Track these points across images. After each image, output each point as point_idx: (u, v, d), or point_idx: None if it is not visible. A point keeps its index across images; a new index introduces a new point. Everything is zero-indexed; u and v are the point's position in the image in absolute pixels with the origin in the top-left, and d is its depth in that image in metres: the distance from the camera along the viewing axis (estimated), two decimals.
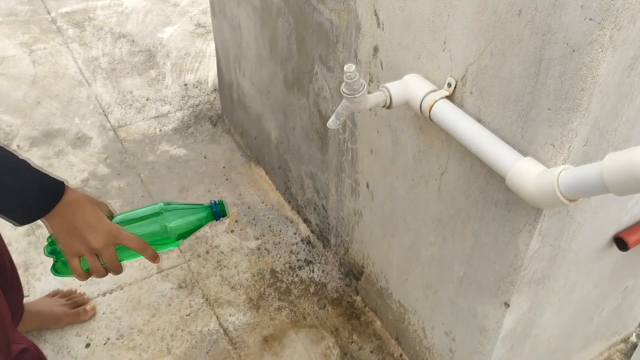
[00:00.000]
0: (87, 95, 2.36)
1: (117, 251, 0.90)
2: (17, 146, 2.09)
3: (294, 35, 1.46)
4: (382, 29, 1.11)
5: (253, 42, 1.71)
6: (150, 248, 0.91)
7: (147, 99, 2.36)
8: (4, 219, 0.85)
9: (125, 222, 0.93)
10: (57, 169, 2.00)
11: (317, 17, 1.33)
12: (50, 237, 0.93)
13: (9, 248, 1.66)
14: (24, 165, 0.84)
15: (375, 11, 1.11)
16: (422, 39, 1.01)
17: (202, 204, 0.98)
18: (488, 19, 0.85)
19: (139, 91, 2.41)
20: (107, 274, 0.91)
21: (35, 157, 2.04)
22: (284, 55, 1.55)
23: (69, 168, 2.02)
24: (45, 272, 1.65)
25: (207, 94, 2.41)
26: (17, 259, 1.67)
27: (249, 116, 1.98)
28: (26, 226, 1.77)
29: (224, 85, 2.14)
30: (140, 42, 2.72)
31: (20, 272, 1.62)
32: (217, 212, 0.96)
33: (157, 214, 0.95)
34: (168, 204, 0.96)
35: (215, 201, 0.97)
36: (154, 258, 0.92)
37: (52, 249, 0.93)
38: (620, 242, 1.08)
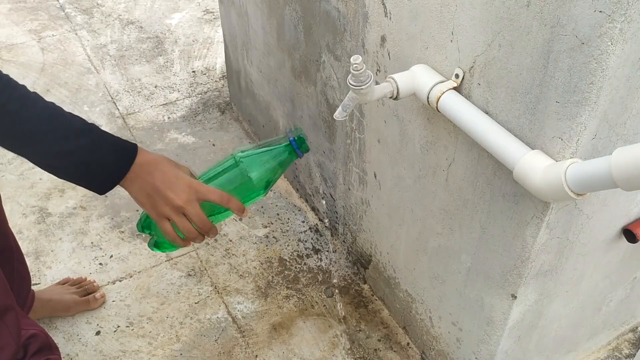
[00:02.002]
0: (96, 83, 2.37)
1: (205, 211, 0.86)
2: None
3: (302, 24, 1.45)
4: (390, 18, 1.09)
5: (260, 30, 1.70)
6: (234, 199, 0.87)
7: (156, 86, 2.36)
8: (85, 186, 0.84)
9: (206, 181, 0.90)
10: None
11: (324, 6, 1.32)
12: (143, 212, 0.90)
13: (19, 236, 1.68)
14: (95, 127, 0.83)
15: (382, 0, 1.10)
16: (430, 29, 0.99)
17: (279, 143, 0.90)
18: (496, 10, 0.84)
19: (148, 78, 2.41)
20: (203, 237, 0.87)
21: None
22: (292, 43, 1.54)
23: None
24: (56, 260, 1.67)
25: (215, 81, 2.41)
26: (27, 247, 1.69)
27: (257, 104, 1.98)
28: (36, 214, 1.79)
29: (232, 72, 2.13)
30: (148, 28, 2.71)
31: (30, 260, 1.64)
32: (298, 148, 0.89)
33: (235, 165, 0.90)
34: (244, 151, 0.90)
35: (293, 137, 0.88)
36: (241, 210, 0.88)
37: (144, 224, 0.91)
38: (629, 234, 1.07)
